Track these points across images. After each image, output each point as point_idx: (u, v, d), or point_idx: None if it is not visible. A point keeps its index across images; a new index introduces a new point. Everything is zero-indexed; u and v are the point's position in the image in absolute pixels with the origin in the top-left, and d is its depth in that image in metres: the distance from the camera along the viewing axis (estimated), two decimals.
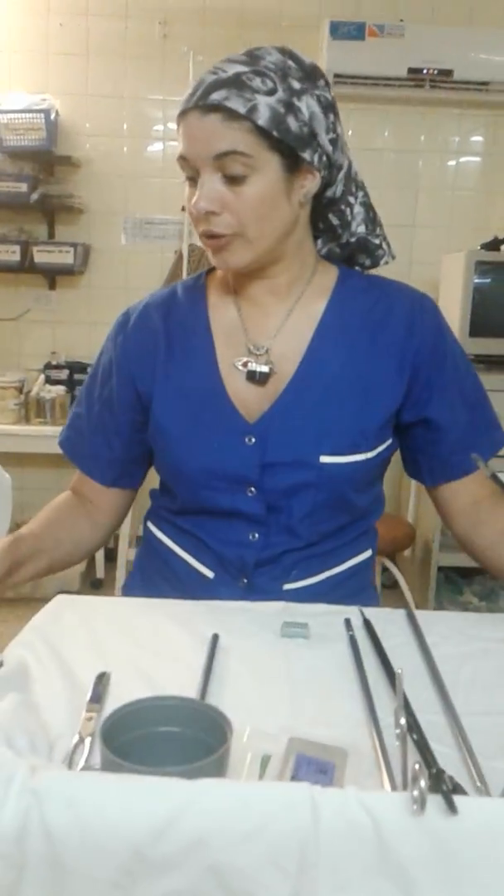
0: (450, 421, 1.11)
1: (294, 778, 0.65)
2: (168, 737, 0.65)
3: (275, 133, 0.96)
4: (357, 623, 0.97)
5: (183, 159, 0.99)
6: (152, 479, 1.22)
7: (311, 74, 0.99)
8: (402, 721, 0.57)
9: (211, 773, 0.58)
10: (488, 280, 2.74)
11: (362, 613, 0.98)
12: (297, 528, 1.08)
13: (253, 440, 1.05)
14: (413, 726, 0.57)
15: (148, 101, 3.31)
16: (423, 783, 0.52)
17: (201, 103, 0.95)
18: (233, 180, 0.97)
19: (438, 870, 0.53)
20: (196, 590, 1.08)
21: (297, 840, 0.54)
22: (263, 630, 0.94)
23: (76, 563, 1.16)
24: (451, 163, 3.36)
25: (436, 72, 3.06)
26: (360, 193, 1.12)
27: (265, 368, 1.06)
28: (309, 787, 0.55)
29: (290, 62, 0.98)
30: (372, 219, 1.13)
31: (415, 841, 0.53)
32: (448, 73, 3.06)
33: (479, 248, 2.83)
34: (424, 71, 3.05)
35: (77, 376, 3.31)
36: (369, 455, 1.07)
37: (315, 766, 0.67)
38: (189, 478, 1.08)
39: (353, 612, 0.99)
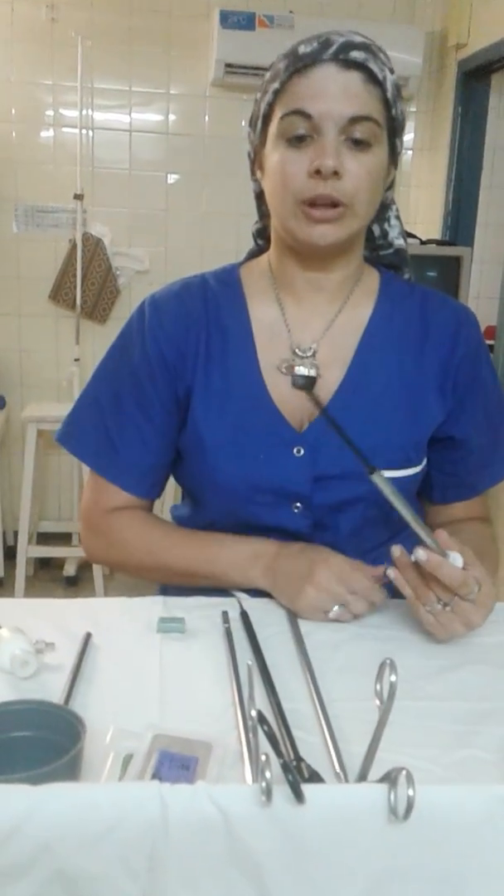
0: (474, 441, 1.07)
1: (155, 775, 0.65)
2: (21, 742, 0.63)
3: (393, 111, 0.94)
4: (234, 615, 0.97)
5: (299, 115, 0.91)
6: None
7: None
8: (253, 713, 0.57)
9: (62, 777, 0.57)
10: None
11: (240, 605, 0.99)
12: (342, 547, 1.01)
13: (302, 451, 0.99)
14: (264, 717, 0.57)
15: (38, 85, 3.23)
16: (268, 774, 0.53)
17: (342, 57, 0.89)
18: (356, 145, 0.91)
19: (287, 858, 0.54)
20: None
21: (147, 839, 0.53)
22: (139, 626, 0.93)
23: None
24: None
25: None
26: (395, 206, 1.09)
27: (313, 372, 0.99)
28: (158, 784, 0.54)
29: None
30: (404, 233, 1.10)
31: (263, 831, 0.54)
32: None
33: None
34: None
35: None
36: (418, 469, 1.03)
37: (178, 761, 0.67)
38: (229, 491, 1.00)
39: (231, 603, 0.99)
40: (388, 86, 0.93)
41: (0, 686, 0.79)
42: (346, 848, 0.54)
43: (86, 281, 3.33)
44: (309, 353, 1.01)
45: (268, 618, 0.96)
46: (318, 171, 0.90)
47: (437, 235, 3.24)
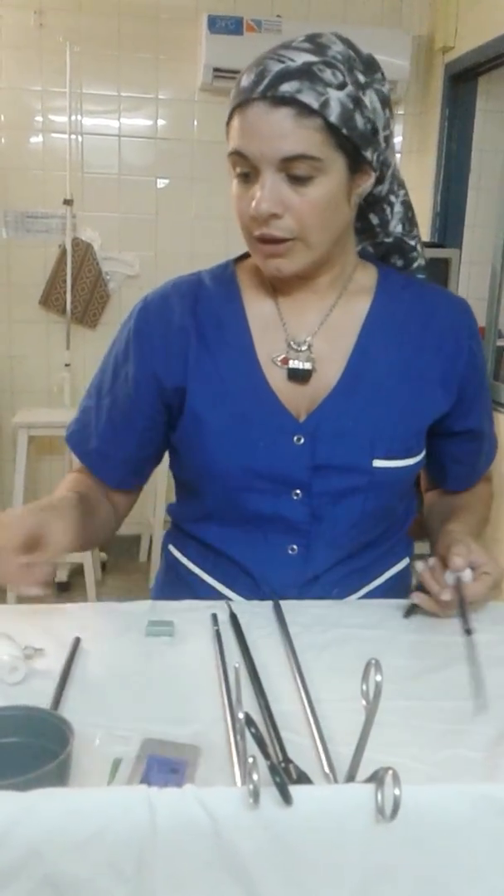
0: (485, 430, 1.12)
1: (144, 779, 0.65)
2: (10, 748, 0.64)
3: (344, 131, 0.89)
4: (224, 618, 0.97)
5: (239, 155, 0.91)
6: (168, 495, 1.15)
7: (371, 66, 0.93)
8: (241, 716, 0.58)
9: (50, 782, 0.57)
10: None
11: (229, 607, 0.99)
12: (341, 539, 1.03)
13: (302, 440, 1.00)
14: (251, 720, 0.57)
15: (26, 91, 3.23)
16: (255, 776, 0.53)
17: (270, 94, 0.86)
18: (297, 181, 0.90)
19: (275, 859, 0.54)
20: None
21: (135, 843, 0.53)
22: (128, 630, 0.93)
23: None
24: None
25: None
26: (402, 192, 1.07)
27: (308, 365, 1.00)
28: (145, 788, 0.55)
29: (352, 53, 0.91)
30: (410, 219, 1.09)
31: (251, 833, 0.54)
32: None
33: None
34: None
35: None
36: (418, 459, 1.04)
37: (167, 765, 0.67)
38: (229, 478, 1.01)
39: (220, 606, 1.00)
40: (332, 107, 0.88)
41: None
42: (333, 848, 0.55)
43: (76, 286, 3.33)
44: (304, 347, 1.02)
45: (257, 620, 0.97)
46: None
47: (425, 237, 3.25)
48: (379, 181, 1.00)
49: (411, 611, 0.99)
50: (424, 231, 3.29)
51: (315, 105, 0.87)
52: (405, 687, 0.82)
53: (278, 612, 0.99)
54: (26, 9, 3.14)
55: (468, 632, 0.86)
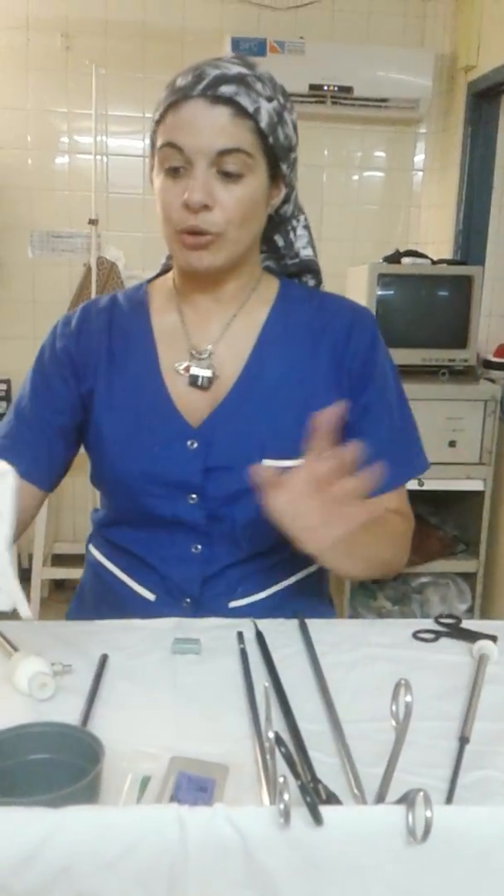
0: (372, 437, 1.06)
1: (174, 797, 0.65)
2: (40, 765, 0.64)
3: (270, 139, 0.98)
4: (249, 636, 0.97)
5: (173, 148, 0.96)
6: (92, 501, 1.18)
7: (286, 95, 1.02)
8: (271, 734, 0.58)
9: (81, 799, 0.57)
10: (391, 292, 2.81)
11: (255, 625, 0.99)
12: (240, 538, 1.06)
13: (195, 445, 1.04)
14: (281, 739, 0.57)
15: (52, 113, 3.28)
16: (286, 796, 0.53)
17: (210, 93, 0.94)
18: (227, 177, 0.96)
19: (304, 880, 0.54)
20: (138, 614, 1.04)
21: (166, 861, 0.54)
22: (155, 648, 0.94)
23: None
24: (355, 177, 3.43)
25: (336, 88, 3.11)
26: (303, 217, 1.14)
27: (208, 373, 1.05)
28: (176, 807, 0.55)
29: (273, 77, 1.01)
30: (313, 242, 1.16)
31: (281, 853, 0.54)
32: (348, 89, 3.13)
33: (381, 260, 2.90)
34: (325, 87, 3.10)
35: None
36: None
37: (195, 783, 0.67)
38: (128, 484, 1.06)
39: (246, 624, 1.00)
40: (263, 115, 0.96)
41: (18, 708, 0.79)
42: (364, 870, 0.55)
43: None
44: (205, 356, 1.07)
45: (282, 638, 0.97)
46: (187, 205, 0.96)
47: (448, 255, 3.25)
48: (286, 200, 1.08)
49: (439, 635, 0.99)
50: (447, 249, 3.29)
51: (250, 109, 0.95)
52: (433, 707, 0.82)
53: (304, 630, 0.99)
54: (53, 32, 3.19)
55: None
